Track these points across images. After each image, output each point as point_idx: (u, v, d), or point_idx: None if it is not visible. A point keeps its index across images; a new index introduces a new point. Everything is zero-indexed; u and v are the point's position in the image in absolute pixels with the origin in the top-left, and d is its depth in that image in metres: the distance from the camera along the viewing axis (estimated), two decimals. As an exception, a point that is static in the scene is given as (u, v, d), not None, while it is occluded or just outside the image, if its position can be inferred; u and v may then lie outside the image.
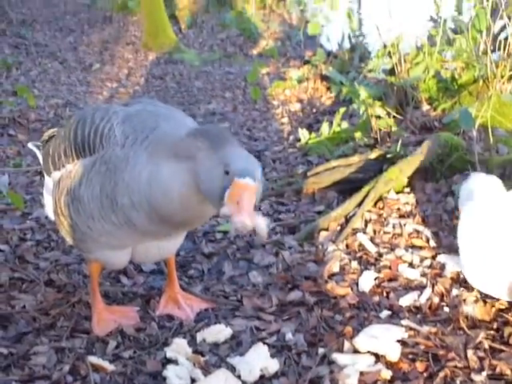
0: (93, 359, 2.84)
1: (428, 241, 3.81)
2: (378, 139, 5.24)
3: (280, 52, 9.67)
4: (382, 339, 2.80)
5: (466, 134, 4.83)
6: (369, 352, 2.79)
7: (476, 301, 3.13)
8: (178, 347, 2.89)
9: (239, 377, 2.72)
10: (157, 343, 3.01)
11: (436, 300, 3.20)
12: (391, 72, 6.32)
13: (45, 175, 3.30)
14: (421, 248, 3.76)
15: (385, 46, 6.43)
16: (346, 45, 9.63)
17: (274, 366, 2.77)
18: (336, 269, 3.59)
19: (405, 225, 3.97)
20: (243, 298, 3.38)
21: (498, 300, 3.07)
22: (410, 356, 2.79)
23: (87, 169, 2.83)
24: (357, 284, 3.43)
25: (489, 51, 5.17)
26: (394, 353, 2.75)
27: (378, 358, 2.77)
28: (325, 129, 5.69)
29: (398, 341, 2.82)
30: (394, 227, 3.99)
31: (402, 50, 5.93)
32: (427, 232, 3.87)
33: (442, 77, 5.74)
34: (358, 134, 5.32)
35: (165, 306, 3.32)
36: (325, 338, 2.96)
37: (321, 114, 6.69)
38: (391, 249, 3.78)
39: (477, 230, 3.00)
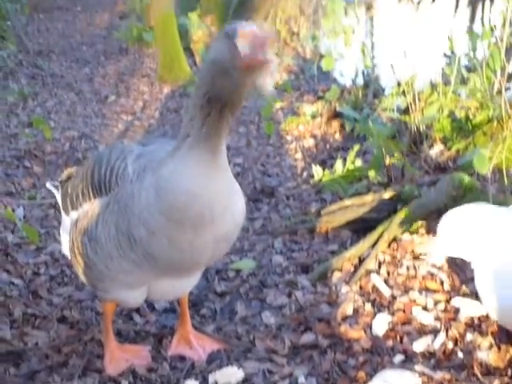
0: (105, 399, 2.84)
1: (442, 283, 3.78)
2: (392, 178, 5.24)
3: (294, 86, 9.68)
4: (396, 386, 2.78)
5: (481, 175, 4.81)
6: (382, 398, 2.78)
7: (490, 347, 3.10)
8: (190, 389, 2.89)
9: (251, 421, 2.71)
10: (168, 384, 3.00)
11: (450, 345, 3.18)
12: (405, 111, 6.33)
13: (62, 214, 3.31)
14: (435, 291, 3.73)
15: (399, 85, 6.44)
16: (360, 80, 9.67)
17: (286, 410, 2.76)
18: (349, 311, 3.57)
19: (419, 267, 3.96)
20: (256, 340, 3.37)
21: (512, 346, 3.05)
22: (424, 403, 2.77)
23: (103, 209, 2.83)
24: (370, 327, 3.41)
25: (503, 91, 5.18)
26: (407, 400, 2.74)
27: (391, 404, 2.75)
28: (338, 166, 5.69)
29: (412, 387, 2.81)
30: (407, 269, 3.97)
31: (415, 87, 5.94)
32: (441, 275, 3.85)
33: (456, 116, 5.74)
34: (371, 173, 5.32)
35: (177, 345, 3.32)
36: (338, 383, 2.94)
37: (334, 150, 6.69)
38: (405, 291, 3.76)
39: (493, 262, 2.96)
